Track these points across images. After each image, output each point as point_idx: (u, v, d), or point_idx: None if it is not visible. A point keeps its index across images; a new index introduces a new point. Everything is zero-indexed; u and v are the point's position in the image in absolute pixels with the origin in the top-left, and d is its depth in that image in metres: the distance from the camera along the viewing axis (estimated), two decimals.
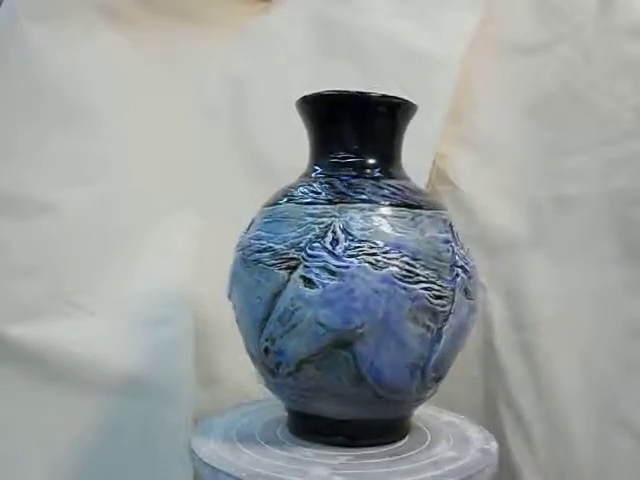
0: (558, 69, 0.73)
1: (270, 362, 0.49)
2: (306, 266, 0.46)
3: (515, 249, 0.74)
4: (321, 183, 0.50)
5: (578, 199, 0.72)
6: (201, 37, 0.75)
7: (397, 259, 0.45)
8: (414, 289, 0.45)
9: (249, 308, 0.49)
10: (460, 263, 0.48)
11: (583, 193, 0.72)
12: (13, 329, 0.67)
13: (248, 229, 0.52)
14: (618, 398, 0.70)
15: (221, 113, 0.76)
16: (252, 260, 0.49)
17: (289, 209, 0.49)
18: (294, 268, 0.46)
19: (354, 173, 0.50)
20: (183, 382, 0.69)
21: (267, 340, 0.48)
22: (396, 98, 0.51)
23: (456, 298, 0.47)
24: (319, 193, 0.49)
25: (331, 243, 0.46)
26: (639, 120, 0.70)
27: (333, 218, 0.47)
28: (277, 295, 0.47)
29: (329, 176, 0.50)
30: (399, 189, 0.49)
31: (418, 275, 0.46)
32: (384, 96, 0.51)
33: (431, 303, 0.46)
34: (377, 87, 0.52)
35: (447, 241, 0.48)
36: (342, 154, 0.51)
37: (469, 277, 0.49)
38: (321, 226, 0.47)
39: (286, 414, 0.54)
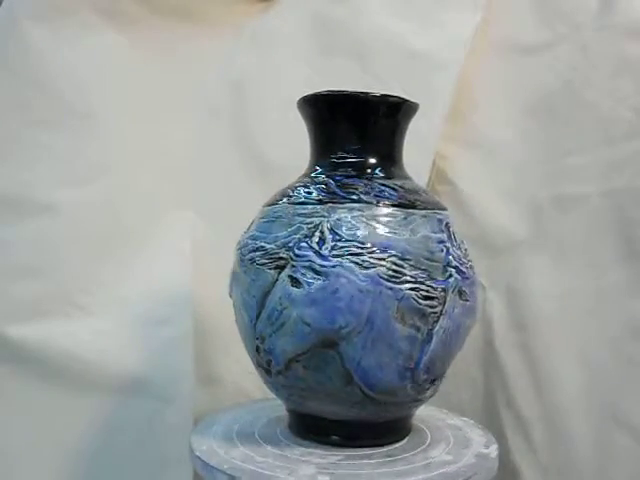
0: (558, 69, 0.73)
1: (262, 360, 0.49)
2: (293, 266, 0.46)
3: (515, 249, 0.74)
4: (317, 183, 0.50)
5: (578, 199, 0.72)
6: (201, 37, 0.75)
7: (384, 259, 0.45)
8: (400, 289, 0.45)
9: (245, 307, 0.49)
10: (454, 263, 0.48)
11: (583, 193, 0.72)
12: (13, 329, 0.67)
13: (248, 229, 0.52)
14: (618, 398, 0.70)
15: (221, 113, 0.76)
16: (248, 259, 0.49)
17: (283, 209, 0.50)
18: (282, 268, 0.47)
19: (353, 173, 0.50)
20: (183, 382, 0.69)
21: (258, 339, 0.49)
22: (396, 97, 0.51)
23: (448, 299, 0.47)
24: (311, 193, 0.49)
25: (318, 243, 0.46)
26: (639, 120, 0.70)
27: (322, 218, 0.47)
28: (267, 294, 0.47)
29: (327, 176, 0.50)
30: (393, 189, 0.49)
31: (405, 275, 0.45)
32: (385, 96, 0.51)
33: (419, 304, 0.45)
34: (377, 87, 0.52)
35: (441, 241, 0.48)
36: (340, 154, 0.51)
37: (464, 278, 0.48)
38: (309, 226, 0.47)
39: (287, 413, 0.54)
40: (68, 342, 0.68)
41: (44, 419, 0.68)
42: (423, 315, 0.46)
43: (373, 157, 0.51)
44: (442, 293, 0.46)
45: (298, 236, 0.47)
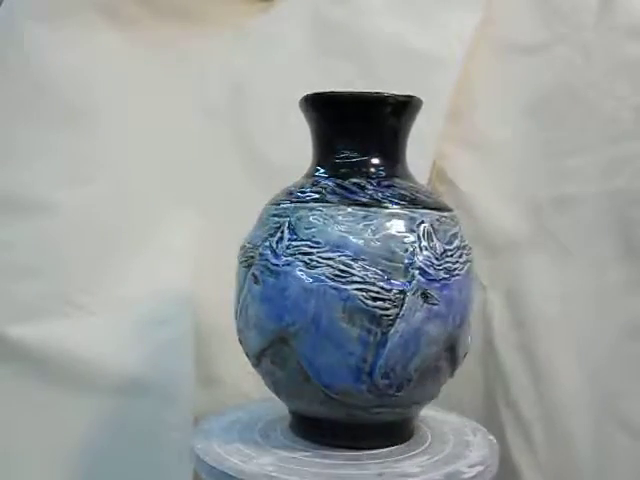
0: (558, 69, 0.73)
1: (245, 353, 0.51)
2: (255, 264, 0.48)
3: (515, 249, 0.74)
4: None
5: (578, 199, 0.72)
6: (201, 37, 0.75)
7: (333, 259, 0.45)
8: (346, 289, 0.44)
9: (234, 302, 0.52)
10: (419, 265, 0.45)
11: (583, 193, 0.72)
12: (13, 329, 0.67)
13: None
14: (618, 398, 0.70)
15: (221, 113, 0.76)
16: (238, 257, 0.51)
17: (266, 209, 0.51)
18: (250, 266, 0.49)
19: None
20: (183, 382, 0.69)
21: (238, 332, 0.51)
22: (404, 95, 0.51)
23: (407, 302, 0.45)
24: (290, 194, 0.50)
25: (277, 242, 0.47)
26: (639, 120, 0.70)
27: (286, 218, 0.48)
28: (241, 290, 0.50)
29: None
30: (362, 187, 0.48)
31: (353, 275, 0.45)
32: (378, 94, 0.50)
33: (366, 305, 0.44)
34: (377, 87, 0.52)
35: (407, 241, 0.46)
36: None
37: (431, 280, 0.46)
38: (275, 225, 0.48)
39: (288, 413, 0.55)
40: (68, 342, 0.68)
41: (44, 419, 0.68)
42: (374, 317, 0.45)
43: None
44: (399, 295, 0.45)
45: (265, 235, 0.49)
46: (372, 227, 0.46)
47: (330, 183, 0.49)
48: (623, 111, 0.70)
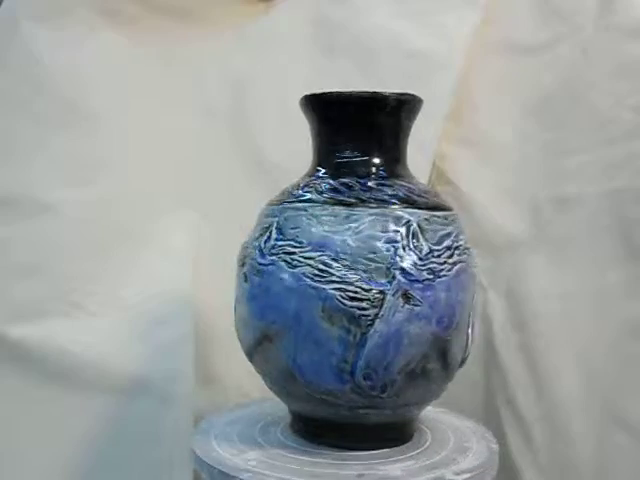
0: (558, 69, 0.73)
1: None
2: (247, 263, 0.49)
3: (515, 249, 0.74)
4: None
5: (578, 199, 0.72)
6: (201, 37, 0.75)
7: (314, 258, 0.45)
8: (324, 289, 0.45)
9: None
10: (401, 265, 0.45)
11: (583, 193, 0.72)
12: (13, 329, 0.67)
13: None
14: (618, 397, 0.70)
15: (221, 113, 0.76)
16: (237, 256, 0.52)
17: (263, 209, 0.52)
18: (244, 265, 0.50)
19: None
20: (183, 382, 0.69)
21: (235, 329, 0.52)
22: (406, 94, 0.50)
23: (387, 302, 0.44)
24: (285, 194, 0.51)
25: (264, 242, 0.48)
26: (639, 120, 0.70)
27: (275, 218, 0.49)
28: (237, 288, 0.51)
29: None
30: (349, 187, 0.48)
31: (332, 275, 0.45)
32: (378, 93, 0.50)
33: (344, 304, 0.44)
34: (377, 87, 0.52)
35: (391, 241, 0.46)
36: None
37: (413, 281, 0.45)
38: (266, 225, 0.49)
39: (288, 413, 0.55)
40: (68, 342, 0.68)
41: (44, 419, 0.68)
42: (353, 317, 0.44)
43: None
44: (378, 295, 0.44)
45: (256, 235, 0.50)
46: (354, 227, 0.46)
47: (326, 183, 0.49)
48: (623, 111, 0.70)
